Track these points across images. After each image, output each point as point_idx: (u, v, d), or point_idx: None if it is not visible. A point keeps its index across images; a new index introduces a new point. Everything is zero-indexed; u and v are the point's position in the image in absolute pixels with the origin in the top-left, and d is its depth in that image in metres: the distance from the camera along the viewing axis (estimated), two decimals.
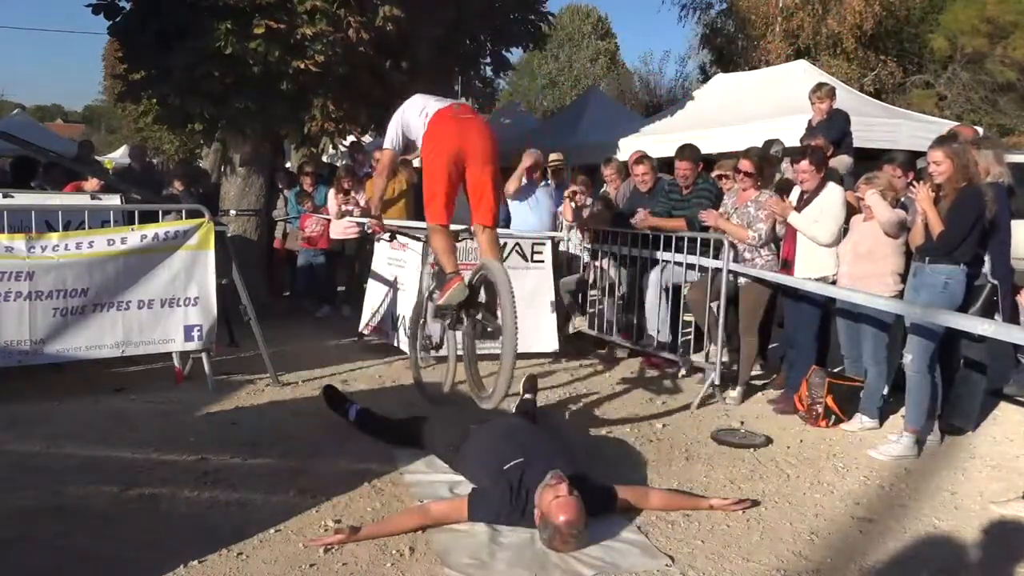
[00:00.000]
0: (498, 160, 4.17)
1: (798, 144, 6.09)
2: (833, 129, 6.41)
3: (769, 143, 6.52)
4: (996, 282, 4.43)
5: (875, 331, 4.70)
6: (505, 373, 3.69)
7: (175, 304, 5.10)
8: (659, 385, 5.63)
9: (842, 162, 6.19)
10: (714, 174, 5.91)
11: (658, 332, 5.86)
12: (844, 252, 4.78)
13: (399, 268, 6.37)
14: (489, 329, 4.07)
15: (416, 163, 8.27)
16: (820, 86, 7.00)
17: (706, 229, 5.55)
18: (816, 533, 3.25)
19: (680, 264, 5.59)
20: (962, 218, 4.14)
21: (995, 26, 18.55)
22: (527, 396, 4.58)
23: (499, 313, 3.86)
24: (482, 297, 4.16)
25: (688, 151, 5.96)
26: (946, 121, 10.79)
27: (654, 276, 5.85)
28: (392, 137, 4.46)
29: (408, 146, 4.53)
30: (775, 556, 3.02)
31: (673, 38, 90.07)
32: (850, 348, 4.92)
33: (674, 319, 5.73)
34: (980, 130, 6.08)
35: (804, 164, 4.95)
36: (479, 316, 4.12)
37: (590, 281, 6.63)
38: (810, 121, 6.90)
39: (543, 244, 6.38)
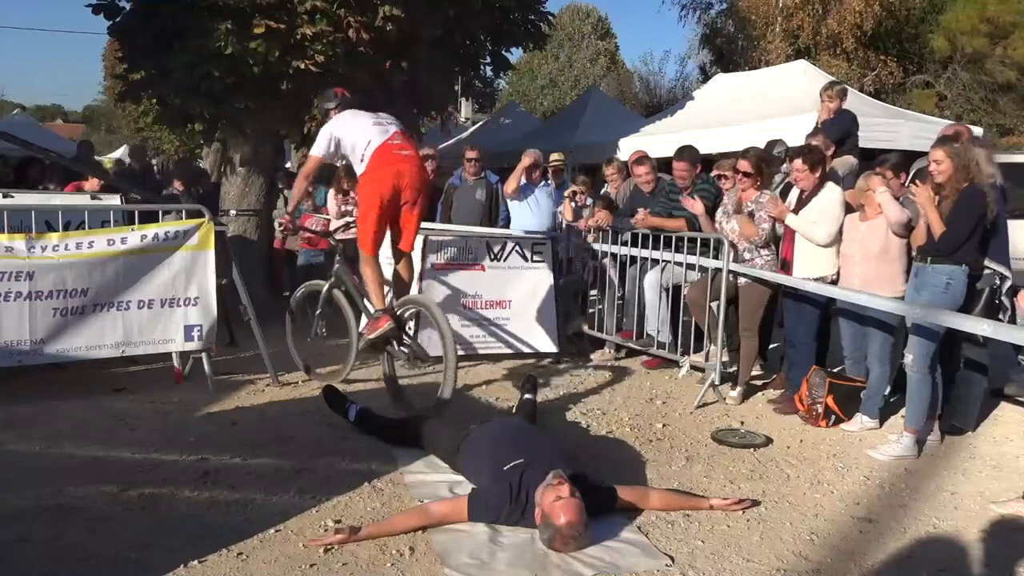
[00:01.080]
0: (427, 192, 4.86)
1: (803, 143, 6.08)
2: (836, 129, 6.38)
3: (772, 143, 6.51)
4: (998, 282, 4.43)
5: (883, 332, 4.69)
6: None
7: (175, 304, 5.10)
8: (659, 385, 5.63)
9: (845, 163, 6.17)
10: (713, 174, 5.91)
11: (658, 332, 5.86)
12: (852, 253, 4.74)
13: None
14: (419, 358, 4.70)
15: None
16: (832, 84, 6.96)
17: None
18: (816, 533, 3.25)
19: (680, 264, 5.60)
20: (964, 218, 4.13)
21: (995, 26, 18.53)
22: (527, 396, 4.58)
23: (442, 344, 4.41)
24: (409, 328, 4.84)
25: (686, 152, 5.97)
26: (946, 121, 10.77)
27: (653, 276, 5.86)
28: (323, 147, 4.76)
29: (337, 156, 4.91)
30: (775, 556, 3.02)
31: (673, 38, 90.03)
32: (853, 348, 4.91)
33: (674, 319, 5.74)
34: (976, 130, 6.06)
35: (797, 163, 4.94)
36: (408, 345, 4.72)
37: (590, 281, 6.63)
38: (817, 120, 6.89)
39: (543, 244, 6.38)
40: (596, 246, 6.48)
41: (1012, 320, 4.46)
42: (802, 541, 3.17)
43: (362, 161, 4.58)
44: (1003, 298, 4.46)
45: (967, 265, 4.19)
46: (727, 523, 3.28)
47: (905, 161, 5.25)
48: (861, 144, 6.92)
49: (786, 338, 5.36)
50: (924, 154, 6.28)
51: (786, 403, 5.04)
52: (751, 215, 5.19)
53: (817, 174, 4.93)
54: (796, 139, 6.71)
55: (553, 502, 2.95)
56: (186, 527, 3.10)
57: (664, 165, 7.28)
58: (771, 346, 6.05)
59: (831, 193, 4.91)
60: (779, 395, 5.25)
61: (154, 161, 15.46)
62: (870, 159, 6.34)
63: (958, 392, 4.72)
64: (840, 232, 4.83)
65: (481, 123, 18.35)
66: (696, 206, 5.52)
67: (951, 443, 4.52)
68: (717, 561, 2.96)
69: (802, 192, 5.04)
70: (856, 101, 10.09)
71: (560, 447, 3.63)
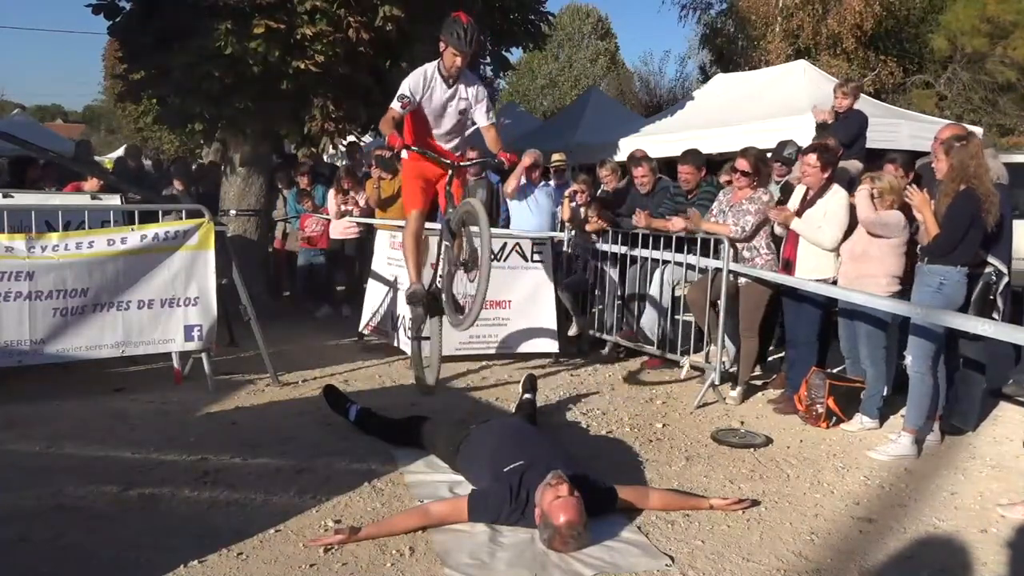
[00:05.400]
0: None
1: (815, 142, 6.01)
2: (846, 132, 6.29)
3: (783, 144, 6.44)
4: (995, 278, 4.42)
5: (871, 332, 4.70)
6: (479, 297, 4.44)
7: (175, 304, 5.10)
8: (659, 385, 5.63)
9: (853, 166, 6.13)
10: (724, 179, 5.93)
11: (658, 332, 5.86)
12: (842, 252, 4.78)
13: (399, 268, 6.36)
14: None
15: None
16: (847, 81, 6.88)
17: None
18: (816, 533, 3.25)
19: (680, 264, 5.60)
20: (957, 221, 4.12)
21: (995, 26, 18.52)
22: (527, 396, 4.58)
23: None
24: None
25: (691, 156, 5.98)
26: (946, 121, 10.77)
27: (656, 276, 5.86)
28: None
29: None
30: (775, 556, 3.02)
31: (673, 38, 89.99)
32: (850, 349, 4.92)
33: (674, 319, 5.74)
34: (976, 130, 6.03)
35: (812, 157, 4.85)
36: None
37: (590, 281, 6.64)
38: (816, 119, 6.84)
39: (543, 244, 6.38)
40: (596, 246, 6.48)
41: (1007, 319, 4.46)
42: (802, 541, 3.17)
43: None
44: (998, 296, 4.46)
45: (963, 266, 4.18)
46: (727, 523, 3.28)
47: (911, 160, 5.23)
48: None
49: (786, 338, 5.36)
50: (924, 154, 6.27)
51: (786, 403, 5.04)
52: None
53: (826, 175, 4.91)
54: (798, 139, 6.68)
55: (552, 502, 2.95)
56: (186, 527, 3.10)
57: (664, 165, 7.28)
58: (770, 347, 6.06)
59: (837, 196, 4.88)
60: (779, 395, 5.25)
61: (147, 161, 15.21)
62: (869, 159, 6.32)
63: (958, 392, 4.72)
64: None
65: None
66: (676, 223, 5.55)
67: (951, 443, 4.52)
68: (717, 561, 2.96)
69: (807, 193, 5.02)
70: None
71: (560, 447, 3.63)
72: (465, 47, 4.68)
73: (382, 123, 4.74)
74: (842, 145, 5.85)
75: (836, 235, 4.82)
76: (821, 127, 6.49)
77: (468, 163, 5.15)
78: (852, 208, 4.83)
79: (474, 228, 4.61)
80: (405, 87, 4.75)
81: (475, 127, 5.09)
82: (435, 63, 4.87)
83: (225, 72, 6.87)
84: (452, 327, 4.96)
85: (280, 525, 3.13)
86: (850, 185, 5.15)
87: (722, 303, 5.18)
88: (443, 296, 5.03)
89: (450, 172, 4.90)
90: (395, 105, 4.71)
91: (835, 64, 19.57)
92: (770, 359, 6.13)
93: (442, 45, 4.77)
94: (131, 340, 5.00)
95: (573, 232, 6.63)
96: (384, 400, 4.86)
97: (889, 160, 5.10)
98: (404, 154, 4.81)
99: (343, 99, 7.45)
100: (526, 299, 6.20)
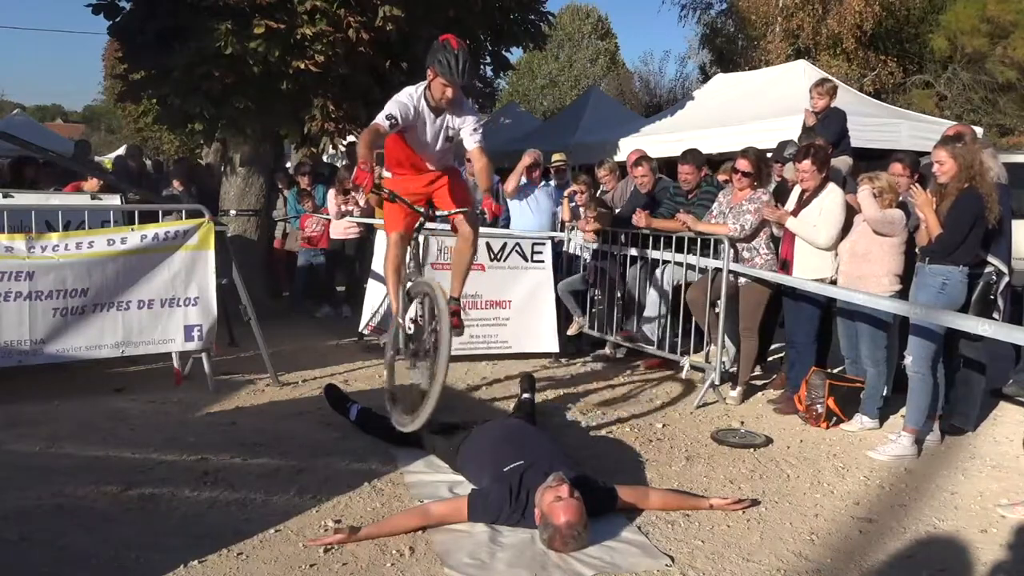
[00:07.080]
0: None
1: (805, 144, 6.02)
2: (830, 130, 6.33)
3: (784, 144, 6.44)
4: (995, 278, 4.42)
5: (872, 332, 4.70)
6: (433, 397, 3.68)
7: (175, 304, 5.10)
8: (659, 385, 5.63)
9: (843, 163, 6.15)
10: (722, 179, 5.92)
11: (658, 332, 5.86)
12: (842, 252, 4.78)
13: None
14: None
15: None
16: (824, 81, 6.90)
17: None
18: (816, 533, 3.25)
19: (680, 264, 5.60)
20: (961, 221, 4.13)
21: (995, 26, 18.51)
22: (525, 396, 4.58)
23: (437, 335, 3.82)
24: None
25: (691, 156, 5.98)
26: (946, 121, 10.78)
27: (656, 276, 5.86)
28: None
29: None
30: (775, 556, 3.02)
31: (673, 38, 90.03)
32: (849, 349, 4.93)
33: (674, 319, 5.74)
34: (978, 130, 6.03)
35: (806, 164, 4.88)
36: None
37: (590, 281, 6.63)
38: (805, 121, 6.85)
39: (543, 244, 6.38)
40: (596, 246, 6.48)
41: (1008, 318, 4.46)
42: (802, 541, 3.17)
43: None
44: (998, 296, 4.46)
45: (965, 265, 4.18)
46: (727, 523, 3.29)
47: (917, 160, 5.24)
48: (861, 144, 6.88)
49: (786, 338, 5.36)
50: (925, 154, 6.27)
51: (786, 403, 5.04)
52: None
53: (823, 174, 4.91)
54: (798, 139, 6.68)
55: (552, 502, 2.95)
56: (186, 527, 3.10)
57: (664, 165, 7.28)
58: (771, 347, 6.05)
59: (832, 194, 4.89)
60: (779, 395, 5.25)
61: (147, 161, 15.12)
62: (869, 159, 6.32)
63: (958, 392, 4.72)
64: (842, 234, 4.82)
65: (481, 123, 18.33)
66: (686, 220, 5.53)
67: (951, 443, 4.52)
68: (717, 561, 2.96)
69: (803, 193, 5.02)
70: (856, 101, 10.10)
71: (560, 448, 3.64)
72: (456, 78, 3.85)
73: (362, 139, 3.93)
74: (831, 144, 5.86)
75: (832, 234, 4.82)
76: (807, 130, 6.50)
77: (444, 214, 4.29)
78: (847, 207, 4.85)
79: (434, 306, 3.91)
80: (393, 108, 3.95)
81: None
82: (421, 87, 4.04)
83: (225, 72, 6.87)
84: (398, 427, 4.00)
85: (280, 525, 3.13)
86: (843, 184, 5.15)
87: (722, 303, 5.18)
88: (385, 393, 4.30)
89: (421, 220, 4.15)
90: (381, 121, 3.92)
91: (835, 64, 19.57)
92: (770, 359, 6.13)
93: (430, 74, 3.91)
94: (131, 340, 5.00)
95: (579, 234, 6.63)
96: (384, 400, 4.85)
97: (896, 159, 5.10)
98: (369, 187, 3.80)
99: (343, 99, 7.45)
100: (526, 299, 6.20)
